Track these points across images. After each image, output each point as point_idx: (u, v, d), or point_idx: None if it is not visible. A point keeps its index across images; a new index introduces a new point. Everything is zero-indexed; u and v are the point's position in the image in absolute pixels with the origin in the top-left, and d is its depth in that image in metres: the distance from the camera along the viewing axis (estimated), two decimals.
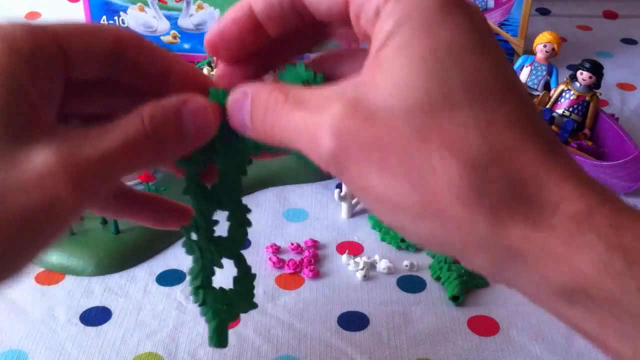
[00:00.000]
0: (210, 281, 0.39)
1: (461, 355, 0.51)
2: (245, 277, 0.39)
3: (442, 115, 0.26)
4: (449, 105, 0.26)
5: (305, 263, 0.58)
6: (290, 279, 0.57)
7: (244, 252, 0.63)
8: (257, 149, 0.36)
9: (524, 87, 0.29)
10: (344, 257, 0.59)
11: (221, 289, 0.39)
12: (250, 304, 0.40)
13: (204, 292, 0.39)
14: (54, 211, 0.28)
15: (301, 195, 0.66)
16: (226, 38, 0.33)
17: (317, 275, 0.57)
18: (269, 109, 0.30)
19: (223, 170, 0.38)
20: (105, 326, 0.52)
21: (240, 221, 0.39)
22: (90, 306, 0.54)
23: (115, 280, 0.56)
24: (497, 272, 0.28)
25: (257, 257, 0.59)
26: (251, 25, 0.32)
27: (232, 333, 0.52)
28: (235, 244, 0.39)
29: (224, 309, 0.39)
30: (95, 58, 0.32)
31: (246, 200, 0.66)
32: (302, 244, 0.60)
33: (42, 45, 0.29)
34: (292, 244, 0.60)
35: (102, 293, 0.55)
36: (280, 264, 0.58)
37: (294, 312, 0.54)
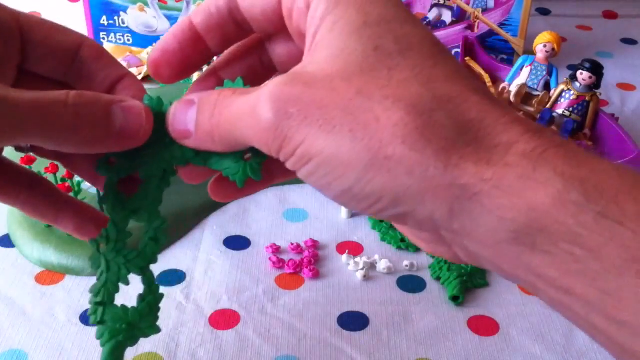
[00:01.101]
0: (112, 298, 0.37)
1: (461, 355, 0.51)
2: (150, 295, 0.37)
3: (382, 75, 0.27)
4: (387, 66, 0.27)
5: (305, 263, 0.58)
6: (290, 279, 0.57)
7: (244, 252, 0.63)
8: (184, 161, 0.34)
9: (449, 52, 0.30)
10: (344, 257, 0.59)
11: (123, 306, 0.36)
12: (152, 327, 0.37)
13: (104, 310, 0.36)
14: None
15: (301, 195, 0.66)
16: (168, 54, 0.33)
17: (317, 275, 0.57)
18: (218, 104, 0.30)
19: (146, 180, 0.36)
20: None
21: (154, 235, 0.36)
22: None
23: None
24: (453, 218, 0.27)
25: (257, 257, 0.59)
26: (192, 39, 0.32)
27: (232, 333, 0.52)
28: (146, 259, 0.36)
29: (123, 329, 0.36)
30: (53, 47, 0.33)
31: (246, 200, 0.67)
32: (302, 244, 0.60)
33: None
34: (292, 244, 0.60)
35: None
36: (280, 264, 0.58)
37: (294, 312, 0.54)
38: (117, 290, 0.36)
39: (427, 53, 0.28)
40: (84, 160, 0.37)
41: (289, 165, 0.29)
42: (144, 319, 0.37)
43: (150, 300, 0.37)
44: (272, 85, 0.28)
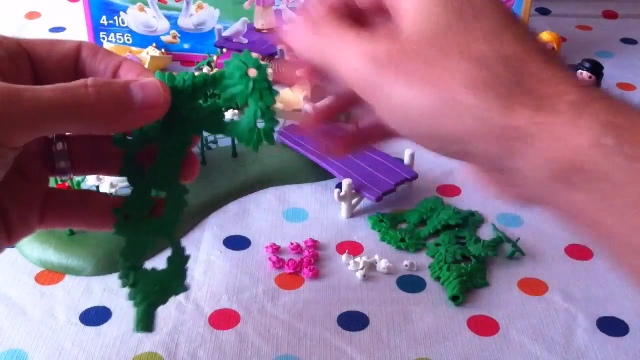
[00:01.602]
0: (142, 263, 0.38)
1: (461, 355, 0.51)
2: (178, 257, 0.39)
3: (460, 36, 0.32)
4: (464, 27, 0.32)
5: (305, 263, 0.58)
6: (290, 279, 0.57)
7: (244, 252, 0.63)
8: (199, 130, 0.37)
9: (521, 21, 0.35)
10: (344, 257, 0.59)
11: (153, 269, 0.38)
12: (181, 286, 0.39)
13: (136, 274, 0.38)
14: None
15: (301, 195, 0.66)
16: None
17: (317, 275, 0.57)
18: (324, 25, 0.35)
19: (163, 151, 0.37)
20: (105, 326, 0.52)
21: (177, 201, 0.38)
22: (90, 306, 0.54)
23: (115, 280, 0.55)
24: (508, 157, 0.31)
25: (257, 257, 0.59)
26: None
27: (232, 333, 0.52)
28: (170, 224, 0.38)
29: (155, 291, 0.38)
30: (57, 58, 0.37)
31: (246, 200, 0.67)
32: (302, 244, 0.60)
33: (2, 42, 0.36)
34: (292, 244, 0.60)
35: (102, 293, 0.55)
36: (280, 264, 0.58)
37: (294, 312, 0.54)
38: (145, 255, 0.38)
39: (498, 20, 0.33)
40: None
41: (377, 110, 0.34)
42: (174, 280, 0.39)
43: (179, 262, 0.39)
44: (373, 41, 0.33)
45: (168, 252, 0.39)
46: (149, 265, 0.39)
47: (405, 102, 0.32)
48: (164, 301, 0.39)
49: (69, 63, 0.38)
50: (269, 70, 0.37)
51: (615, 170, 0.28)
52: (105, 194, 0.41)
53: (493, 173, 0.33)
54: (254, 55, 0.38)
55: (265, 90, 0.36)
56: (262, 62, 0.37)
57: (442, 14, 0.33)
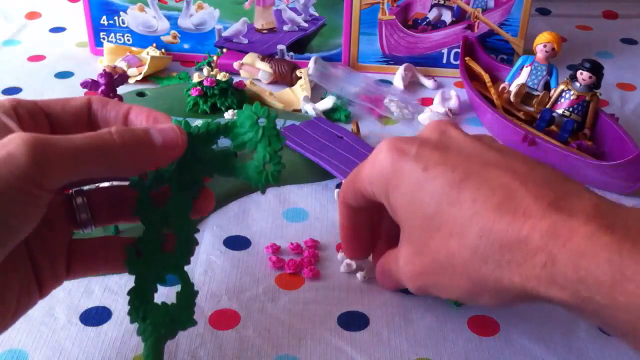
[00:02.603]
0: (152, 297, 0.41)
1: (461, 355, 0.51)
2: (187, 291, 0.41)
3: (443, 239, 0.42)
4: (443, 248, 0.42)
5: (305, 263, 0.58)
6: (290, 279, 0.57)
7: (244, 252, 0.63)
8: (211, 172, 0.40)
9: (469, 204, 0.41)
10: (339, 255, 0.58)
11: (163, 303, 0.41)
12: (189, 320, 0.41)
13: (146, 308, 0.40)
14: (10, 166, 0.33)
15: (301, 195, 0.66)
16: (351, 234, 0.55)
17: (317, 275, 0.57)
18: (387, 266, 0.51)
19: (176, 191, 0.40)
20: (105, 326, 0.52)
21: (187, 238, 0.41)
22: (90, 306, 0.54)
23: (115, 280, 0.56)
24: (517, 303, 0.41)
25: (257, 257, 0.59)
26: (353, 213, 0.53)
27: (232, 333, 0.52)
28: (181, 260, 0.41)
29: (165, 323, 0.40)
30: (70, 112, 0.41)
31: (246, 200, 0.67)
32: (302, 244, 0.60)
33: (20, 102, 0.40)
34: (292, 244, 0.60)
35: (102, 293, 0.55)
36: (280, 264, 0.58)
37: (294, 312, 0.54)
38: (156, 289, 0.41)
39: (453, 232, 0.41)
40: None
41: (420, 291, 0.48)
42: (183, 313, 0.41)
43: (188, 296, 0.41)
44: (404, 262, 0.46)
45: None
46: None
47: (451, 294, 0.44)
48: (172, 335, 0.41)
49: (81, 116, 0.42)
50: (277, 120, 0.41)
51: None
52: (126, 237, 0.43)
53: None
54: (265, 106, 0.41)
55: (274, 136, 0.40)
56: (271, 111, 0.40)
57: (416, 235, 0.43)
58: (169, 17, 0.86)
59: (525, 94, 0.75)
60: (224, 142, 0.41)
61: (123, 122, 0.42)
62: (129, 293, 0.40)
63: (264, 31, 0.86)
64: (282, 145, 0.40)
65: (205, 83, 0.75)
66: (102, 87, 0.69)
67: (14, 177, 0.33)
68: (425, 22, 0.85)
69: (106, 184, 0.44)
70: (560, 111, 0.72)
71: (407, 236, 0.44)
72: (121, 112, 0.42)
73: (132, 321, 0.40)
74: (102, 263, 0.43)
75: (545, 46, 0.75)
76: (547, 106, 0.73)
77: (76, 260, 0.42)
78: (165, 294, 0.45)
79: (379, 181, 0.44)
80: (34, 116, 0.40)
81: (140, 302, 0.40)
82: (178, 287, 0.44)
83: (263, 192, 0.40)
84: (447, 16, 0.85)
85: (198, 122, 0.41)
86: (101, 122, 0.42)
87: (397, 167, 0.42)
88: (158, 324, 0.40)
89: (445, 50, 0.86)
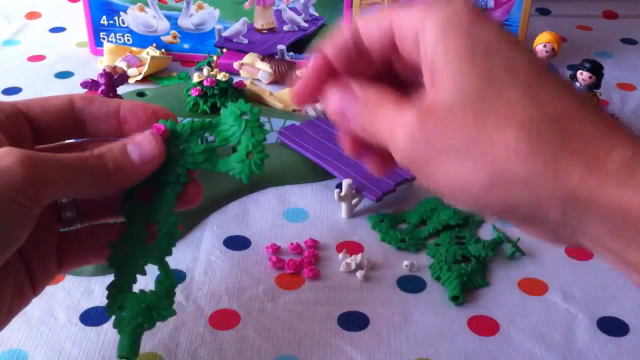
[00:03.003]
0: (130, 287, 0.40)
1: (461, 355, 0.51)
2: (166, 280, 0.40)
3: (494, 98, 0.30)
4: (498, 89, 0.31)
5: (305, 263, 0.58)
6: (290, 279, 0.57)
7: (244, 252, 0.63)
8: (195, 165, 0.40)
9: (554, 71, 0.33)
10: (341, 255, 0.58)
11: (141, 290, 0.40)
12: (168, 309, 0.40)
13: (123, 297, 0.40)
14: (6, 179, 0.34)
15: (301, 195, 0.66)
16: (308, 84, 0.37)
17: (317, 275, 0.57)
18: (367, 108, 0.35)
19: (161, 187, 0.40)
20: (105, 326, 0.52)
21: (169, 230, 0.41)
22: (90, 306, 0.54)
23: None
24: (565, 220, 0.30)
25: (257, 257, 0.59)
26: (325, 66, 0.37)
27: (232, 333, 0.52)
28: (162, 251, 0.40)
29: (142, 310, 0.40)
30: (51, 113, 0.41)
31: (246, 200, 0.67)
32: (302, 244, 0.60)
33: (1, 106, 0.39)
34: (292, 244, 0.60)
35: (102, 293, 0.55)
36: (280, 264, 0.58)
37: (294, 312, 0.54)
38: (135, 280, 0.40)
39: (532, 74, 0.31)
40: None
41: (422, 181, 0.33)
42: (161, 301, 0.40)
43: (167, 284, 0.40)
44: (405, 124, 0.32)
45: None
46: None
47: (453, 180, 0.32)
48: (150, 325, 0.40)
49: (64, 116, 0.41)
50: (260, 115, 0.41)
51: None
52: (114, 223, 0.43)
53: (551, 232, 0.32)
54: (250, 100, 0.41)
55: (256, 127, 0.40)
56: (254, 107, 0.40)
57: (473, 78, 0.31)
58: (169, 17, 0.86)
59: None
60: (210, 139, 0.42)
61: (115, 121, 0.41)
62: (108, 287, 0.40)
63: (264, 31, 0.86)
64: (264, 137, 0.40)
65: (205, 83, 0.75)
66: (102, 87, 0.69)
67: (10, 191, 0.34)
68: None
69: None
70: None
71: (435, 92, 0.32)
72: (112, 110, 0.41)
73: (109, 314, 0.40)
74: (93, 254, 0.43)
75: (545, 46, 0.75)
76: None
77: (67, 254, 0.42)
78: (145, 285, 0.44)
79: (440, 21, 0.32)
80: (13, 120, 0.40)
81: (118, 292, 0.40)
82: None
83: (247, 180, 0.39)
84: None
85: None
86: (89, 121, 0.41)
87: (475, 22, 0.32)
88: (135, 313, 0.39)
89: None
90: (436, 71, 0.32)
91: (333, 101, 0.36)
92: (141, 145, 0.39)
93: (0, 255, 0.35)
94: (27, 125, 0.40)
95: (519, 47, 0.32)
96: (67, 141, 0.42)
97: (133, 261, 0.40)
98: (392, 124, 0.33)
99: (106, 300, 0.40)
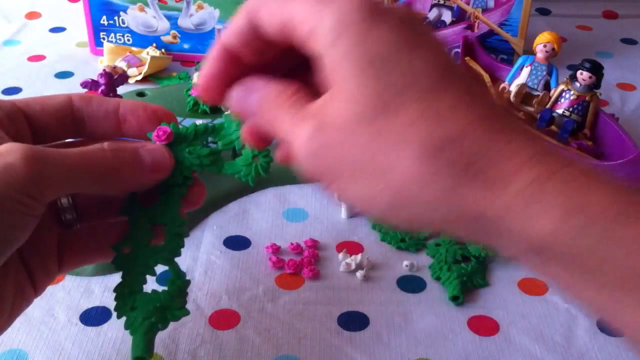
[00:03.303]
0: (141, 288, 0.40)
1: (461, 355, 0.51)
2: (178, 280, 0.41)
3: (391, 115, 0.29)
4: (395, 104, 0.29)
5: (305, 263, 0.58)
6: (290, 279, 0.57)
7: (244, 252, 0.63)
8: (201, 167, 0.40)
9: (463, 71, 0.30)
10: (341, 255, 0.58)
11: (154, 291, 0.40)
12: (181, 309, 0.40)
13: (134, 298, 0.40)
14: (8, 178, 0.33)
15: (301, 195, 0.66)
16: (214, 77, 0.35)
17: (317, 275, 0.57)
18: (275, 103, 0.33)
19: (165, 189, 0.40)
20: (105, 326, 0.52)
21: (177, 232, 0.41)
22: (90, 306, 0.54)
23: (115, 280, 0.55)
24: (477, 238, 0.30)
25: (257, 257, 0.59)
26: (229, 59, 0.34)
27: (232, 333, 0.52)
28: (170, 252, 0.41)
29: (156, 310, 0.40)
30: (50, 111, 0.40)
31: (246, 200, 0.67)
32: (302, 244, 0.60)
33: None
34: (292, 244, 0.60)
35: (102, 293, 0.55)
36: (280, 264, 0.58)
37: (294, 312, 0.54)
38: (145, 281, 0.40)
39: (432, 83, 0.29)
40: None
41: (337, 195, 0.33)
42: (174, 301, 0.40)
43: (180, 284, 0.41)
44: (304, 135, 0.31)
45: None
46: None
47: (358, 196, 0.30)
48: (164, 325, 0.40)
49: (63, 115, 0.41)
50: None
51: (585, 254, 0.27)
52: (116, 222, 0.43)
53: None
54: None
55: None
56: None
57: (368, 91, 0.29)
58: (169, 17, 0.86)
59: (525, 94, 0.75)
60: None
61: (115, 120, 0.41)
62: (115, 289, 0.40)
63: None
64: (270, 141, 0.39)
65: None
66: (102, 87, 0.69)
67: (12, 189, 0.34)
68: (425, 22, 0.85)
69: None
70: (560, 111, 0.72)
71: (342, 97, 0.30)
72: (111, 109, 0.41)
73: (119, 315, 0.40)
74: (94, 253, 0.43)
75: (545, 46, 0.75)
76: (547, 106, 0.73)
77: (68, 254, 0.42)
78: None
79: (333, 21, 0.29)
80: (12, 118, 0.39)
81: (129, 293, 0.40)
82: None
83: (253, 183, 0.40)
84: (447, 16, 0.85)
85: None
86: (88, 120, 0.41)
87: (373, 21, 0.29)
88: (149, 313, 0.39)
89: None
90: (332, 78, 0.30)
91: (235, 97, 0.34)
92: (153, 153, 0.39)
93: (0, 256, 0.35)
94: (26, 124, 0.40)
95: (420, 47, 0.29)
96: (66, 141, 0.42)
97: (140, 262, 0.40)
98: (290, 133, 0.32)
99: (114, 302, 0.40)
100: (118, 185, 0.38)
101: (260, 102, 0.33)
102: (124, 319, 0.40)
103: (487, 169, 0.28)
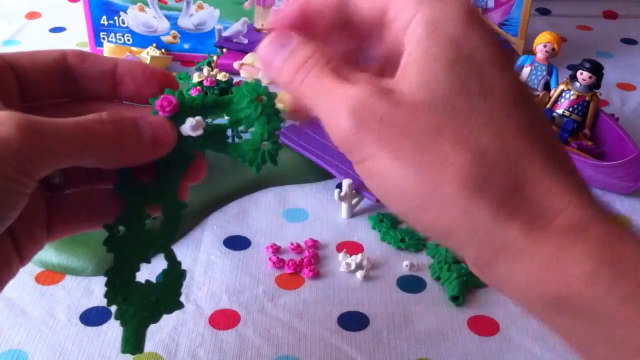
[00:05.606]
0: (134, 277, 0.37)
1: (461, 355, 0.51)
2: (173, 271, 0.38)
3: (460, 116, 0.28)
4: (468, 107, 0.28)
5: (305, 263, 0.58)
6: (290, 279, 0.57)
7: (244, 252, 0.63)
8: (202, 148, 0.37)
9: (534, 99, 0.31)
10: (341, 255, 0.58)
11: (147, 281, 0.38)
12: (175, 302, 0.38)
13: (127, 289, 0.37)
14: (1, 152, 0.30)
15: (301, 195, 0.66)
16: (287, 20, 0.34)
17: (317, 275, 0.57)
18: (307, 65, 0.31)
19: (163, 167, 0.37)
20: (105, 326, 0.52)
21: (174, 216, 0.38)
22: (90, 306, 0.54)
23: None
24: (489, 265, 0.29)
25: (257, 257, 0.59)
26: (302, 19, 0.33)
27: (232, 333, 0.52)
28: (166, 238, 0.38)
29: (149, 304, 0.37)
30: (41, 67, 0.37)
31: (246, 200, 0.66)
32: (302, 244, 0.60)
33: None
34: (292, 244, 0.60)
35: (102, 293, 0.54)
36: (280, 264, 0.58)
37: (294, 312, 0.54)
38: (138, 269, 0.37)
39: (506, 100, 0.29)
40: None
41: (354, 166, 0.31)
42: (169, 294, 0.38)
43: (174, 275, 0.38)
44: (360, 93, 0.29)
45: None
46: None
47: (391, 183, 0.29)
48: (156, 318, 0.38)
49: (54, 71, 0.37)
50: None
51: (606, 311, 0.26)
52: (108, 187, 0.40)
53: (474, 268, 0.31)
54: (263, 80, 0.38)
55: (273, 114, 0.36)
56: (272, 91, 0.37)
57: (445, 84, 0.29)
58: (169, 17, 0.86)
59: None
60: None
61: (110, 81, 0.38)
62: (106, 273, 0.37)
63: (264, 31, 0.86)
64: (280, 125, 0.36)
65: (205, 83, 0.75)
66: None
67: (6, 166, 0.31)
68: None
69: None
70: (560, 111, 0.72)
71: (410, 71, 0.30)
72: (107, 69, 0.37)
73: (109, 304, 0.37)
74: (85, 221, 0.39)
75: (545, 46, 0.75)
76: (547, 106, 0.73)
77: (58, 221, 0.39)
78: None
79: (431, 16, 0.30)
80: (0, 73, 0.36)
81: (121, 282, 0.37)
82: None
83: (257, 171, 0.36)
84: None
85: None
86: (81, 79, 0.38)
87: (469, 24, 0.30)
88: (141, 306, 0.37)
89: None
90: (413, 60, 0.30)
91: (264, 45, 0.33)
92: (155, 126, 0.35)
93: None
94: (14, 79, 0.36)
95: (503, 65, 0.30)
96: (53, 101, 0.39)
97: (135, 247, 0.37)
98: (331, 93, 0.30)
99: (105, 289, 0.37)
100: (116, 161, 0.35)
101: (290, 58, 0.32)
102: None
103: (534, 199, 0.28)
